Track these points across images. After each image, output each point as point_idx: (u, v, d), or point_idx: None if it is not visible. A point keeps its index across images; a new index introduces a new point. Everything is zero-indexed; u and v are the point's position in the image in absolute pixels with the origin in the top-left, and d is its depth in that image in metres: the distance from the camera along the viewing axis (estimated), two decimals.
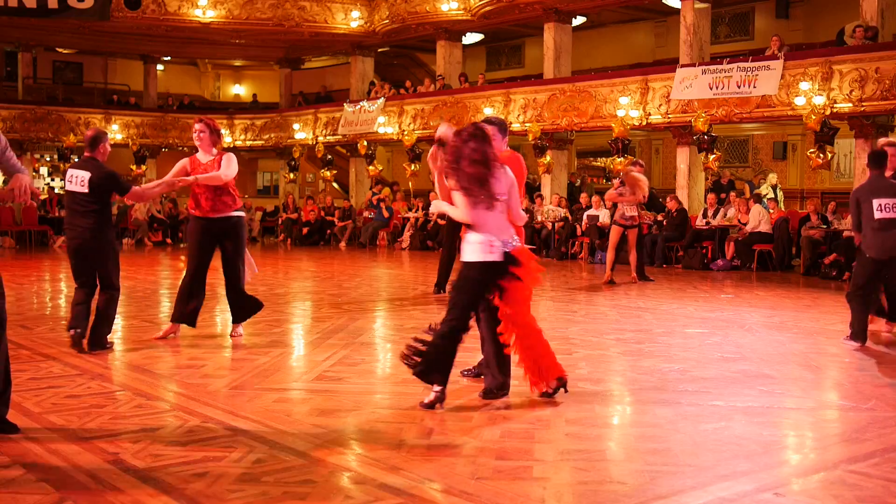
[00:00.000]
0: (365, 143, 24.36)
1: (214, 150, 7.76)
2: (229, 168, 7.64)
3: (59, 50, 29.50)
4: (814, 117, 15.60)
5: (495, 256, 5.35)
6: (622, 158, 18.61)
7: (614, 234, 13.28)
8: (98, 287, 7.24)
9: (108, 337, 7.28)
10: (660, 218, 17.54)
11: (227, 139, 28.55)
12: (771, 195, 17.80)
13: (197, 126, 7.77)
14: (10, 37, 26.38)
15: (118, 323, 8.98)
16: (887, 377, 6.53)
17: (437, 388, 5.33)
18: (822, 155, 15.91)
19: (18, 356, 6.86)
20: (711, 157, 17.55)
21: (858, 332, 7.75)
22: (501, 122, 6.19)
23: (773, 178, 19.06)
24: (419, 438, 4.67)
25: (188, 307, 7.77)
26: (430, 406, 5.29)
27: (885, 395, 5.85)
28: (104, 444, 4.46)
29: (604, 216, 18.06)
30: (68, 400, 5.44)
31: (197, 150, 7.82)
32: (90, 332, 7.17)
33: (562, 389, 5.59)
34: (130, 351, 7.32)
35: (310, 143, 26.70)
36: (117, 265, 7.31)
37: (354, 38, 26.30)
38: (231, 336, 7.92)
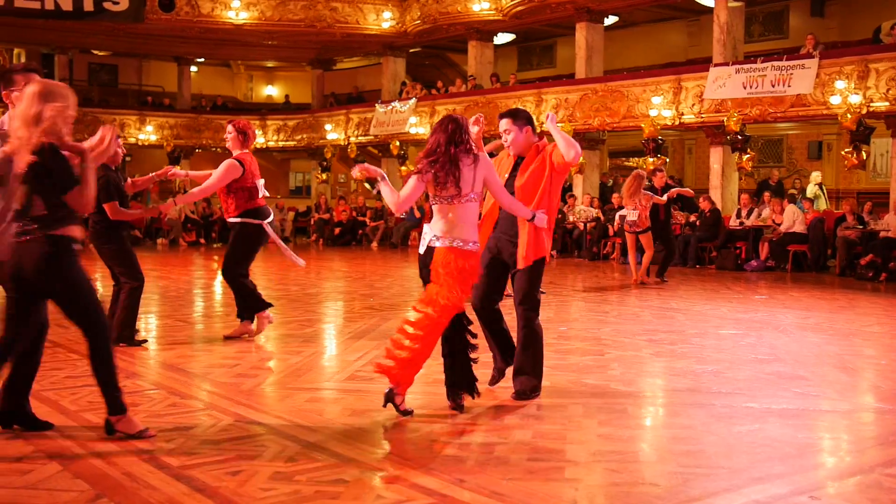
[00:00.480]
0: (397, 143, 24.40)
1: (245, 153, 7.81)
2: (213, 179, 7.63)
3: (95, 52, 29.87)
4: (849, 116, 15.42)
5: (420, 248, 5.33)
6: (654, 158, 18.52)
7: (628, 240, 13.39)
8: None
9: (134, 334, 7.33)
10: (692, 218, 17.41)
11: (259, 140, 28.76)
12: (820, 195, 17.54)
13: (228, 128, 7.86)
14: (46, 39, 26.73)
15: (153, 322, 9.07)
16: None
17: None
18: (856, 154, 15.73)
19: (55, 354, 6.94)
20: (745, 156, 17.41)
21: None
22: (514, 112, 5.81)
23: (816, 176, 18.78)
24: (451, 438, 4.67)
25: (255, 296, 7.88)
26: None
27: None
28: (139, 443, 4.50)
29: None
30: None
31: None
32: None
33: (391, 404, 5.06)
34: (164, 350, 7.38)
35: (342, 143, 26.81)
36: (125, 261, 7.26)
37: (386, 38, 26.36)
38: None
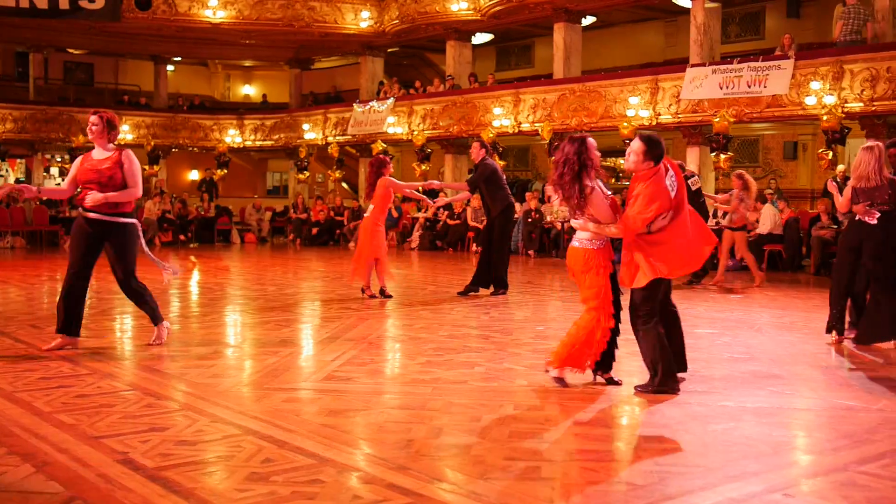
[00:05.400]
0: (381, 144, 24.29)
1: (111, 146, 7.24)
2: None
3: (70, 51, 29.62)
4: (826, 117, 15.55)
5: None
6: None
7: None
8: None
9: None
10: None
11: (237, 139, 28.64)
12: None
13: (91, 118, 7.25)
14: (21, 37, 26.51)
15: (128, 322, 9.02)
16: None
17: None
18: (829, 153, 15.89)
19: (28, 355, 6.88)
20: (723, 156, 17.49)
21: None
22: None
23: None
24: (428, 438, 4.67)
25: None
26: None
27: None
28: (113, 444, 4.47)
29: None
30: (78, 399, 5.45)
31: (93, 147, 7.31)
32: None
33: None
34: (140, 350, 7.33)
35: (319, 143, 26.73)
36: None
37: (364, 38, 26.33)
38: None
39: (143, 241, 7.37)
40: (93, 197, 6.96)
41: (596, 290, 5.91)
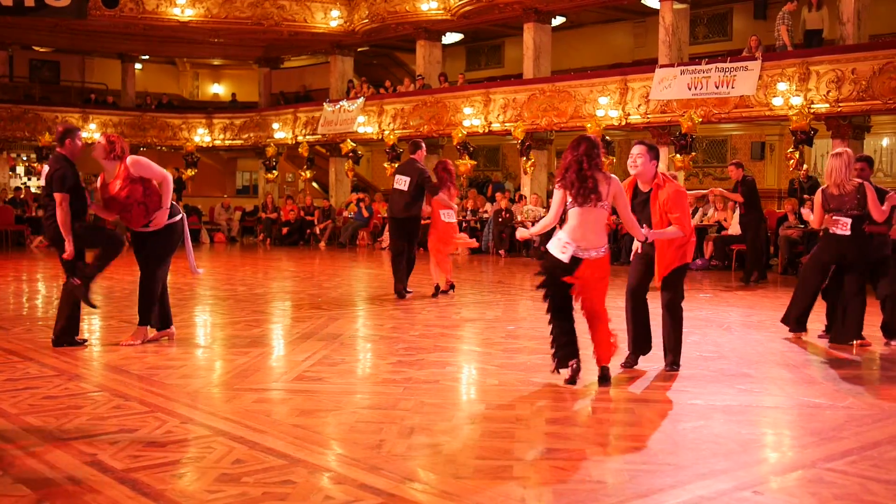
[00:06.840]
0: (350, 143, 24.22)
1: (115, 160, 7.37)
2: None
3: (36, 48, 29.27)
4: (795, 117, 15.73)
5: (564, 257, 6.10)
6: (605, 158, 18.66)
7: None
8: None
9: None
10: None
11: (206, 138, 28.45)
12: None
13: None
14: None
15: (96, 323, 8.94)
16: (864, 376, 6.60)
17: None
18: (796, 153, 16.06)
19: None
20: (680, 156, 17.57)
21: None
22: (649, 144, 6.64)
23: None
24: (399, 438, 4.66)
25: None
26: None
27: (862, 394, 5.90)
28: (82, 446, 4.43)
29: None
30: (46, 401, 5.39)
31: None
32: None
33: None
34: (108, 351, 7.27)
35: (289, 142, 26.63)
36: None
37: (334, 37, 26.25)
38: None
39: (187, 237, 7.83)
40: (155, 223, 7.47)
41: (604, 292, 6.22)
